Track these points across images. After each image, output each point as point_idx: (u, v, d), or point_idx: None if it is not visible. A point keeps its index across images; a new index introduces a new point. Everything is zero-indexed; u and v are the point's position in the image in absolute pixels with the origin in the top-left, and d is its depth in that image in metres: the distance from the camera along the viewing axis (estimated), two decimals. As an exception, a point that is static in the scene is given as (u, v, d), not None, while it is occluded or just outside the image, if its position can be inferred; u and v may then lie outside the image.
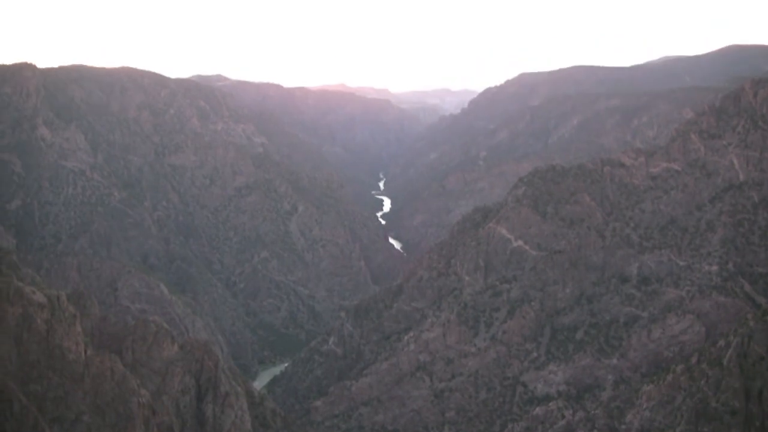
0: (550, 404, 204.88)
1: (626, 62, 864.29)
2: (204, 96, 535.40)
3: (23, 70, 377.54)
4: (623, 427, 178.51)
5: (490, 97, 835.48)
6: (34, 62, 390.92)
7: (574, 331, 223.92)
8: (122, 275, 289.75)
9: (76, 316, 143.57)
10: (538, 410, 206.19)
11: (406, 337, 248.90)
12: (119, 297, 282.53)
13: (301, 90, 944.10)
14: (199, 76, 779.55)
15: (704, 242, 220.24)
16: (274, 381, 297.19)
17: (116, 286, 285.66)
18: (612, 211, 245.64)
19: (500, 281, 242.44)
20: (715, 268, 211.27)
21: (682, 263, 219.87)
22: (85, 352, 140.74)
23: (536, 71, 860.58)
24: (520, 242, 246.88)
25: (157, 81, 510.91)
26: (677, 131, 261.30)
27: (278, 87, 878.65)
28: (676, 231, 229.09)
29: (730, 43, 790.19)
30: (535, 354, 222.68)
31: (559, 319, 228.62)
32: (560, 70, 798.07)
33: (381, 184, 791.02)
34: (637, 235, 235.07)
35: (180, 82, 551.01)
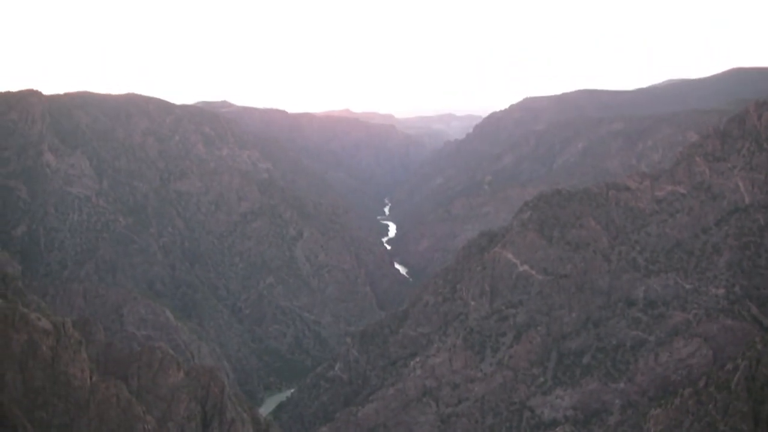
0: (557, 429, 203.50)
1: (630, 86, 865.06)
2: (209, 122, 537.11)
3: (29, 96, 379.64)
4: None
5: (495, 122, 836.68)
6: (39, 89, 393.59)
7: (580, 355, 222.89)
8: (128, 301, 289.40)
9: (82, 342, 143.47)
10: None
11: (412, 363, 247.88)
12: (125, 323, 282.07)
13: (306, 116, 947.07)
14: (204, 102, 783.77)
15: (710, 265, 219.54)
16: (280, 407, 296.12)
17: (122, 312, 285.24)
18: (618, 235, 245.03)
19: (506, 306, 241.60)
20: (721, 291, 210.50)
21: (688, 286, 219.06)
22: (91, 378, 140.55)
23: (540, 96, 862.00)
24: (525, 267, 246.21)
25: (162, 107, 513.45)
26: (682, 154, 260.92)
27: (283, 113, 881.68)
28: (682, 254, 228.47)
29: (734, 66, 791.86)
30: (541, 379, 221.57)
31: (566, 344, 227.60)
32: (564, 95, 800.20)
33: (386, 210, 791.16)
34: (643, 258, 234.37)
35: (185, 108, 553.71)
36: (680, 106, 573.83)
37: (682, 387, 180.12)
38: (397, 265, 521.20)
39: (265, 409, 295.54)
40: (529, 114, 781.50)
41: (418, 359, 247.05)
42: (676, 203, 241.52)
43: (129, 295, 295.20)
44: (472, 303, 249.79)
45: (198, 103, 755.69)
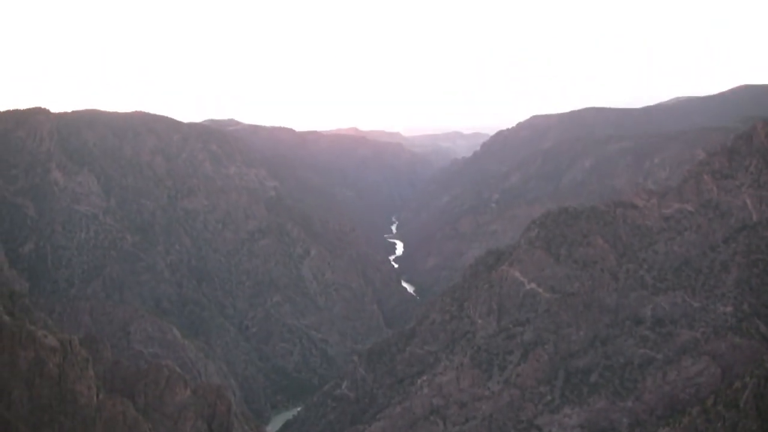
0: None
1: (637, 103, 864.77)
2: (216, 140, 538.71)
3: (37, 114, 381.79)
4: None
5: (502, 140, 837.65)
6: (47, 107, 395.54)
7: (588, 373, 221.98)
8: (135, 319, 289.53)
9: (89, 360, 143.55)
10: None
11: (419, 381, 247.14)
12: (132, 341, 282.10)
13: (314, 134, 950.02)
14: (212, 121, 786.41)
15: (719, 283, 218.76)
16: (287, 426, 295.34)
17: (129, 330, 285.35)
18: (625, 253, 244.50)
19: (513, 324, 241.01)
20: (730, 308, 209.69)
21: (696, 304, 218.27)
22: (98, 396, 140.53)
23: (547, 113, 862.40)
24: (533, 285, 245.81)
25: (170, 125, 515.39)
26: (689, 172, 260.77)
27: (290, 131, 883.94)
28: (690, 272, 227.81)
29: (741, 83, 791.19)
30: (549, 397, 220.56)
31: (573, 362, 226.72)
32: (571, 113, 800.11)
33: (393, 228, 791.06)
34: (650, 276, 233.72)
35: (192, 127, 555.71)
36: (688, 124, 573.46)
37: (691, 405, 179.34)
38: (404, 283, 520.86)
39: (271, 428, 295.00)
40: (536, 132, 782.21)
41: (425, 377, 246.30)
42: (683, 221, 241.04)
43: (136, 312, 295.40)
44: (480, 321, 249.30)
45: (205, 121, 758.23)
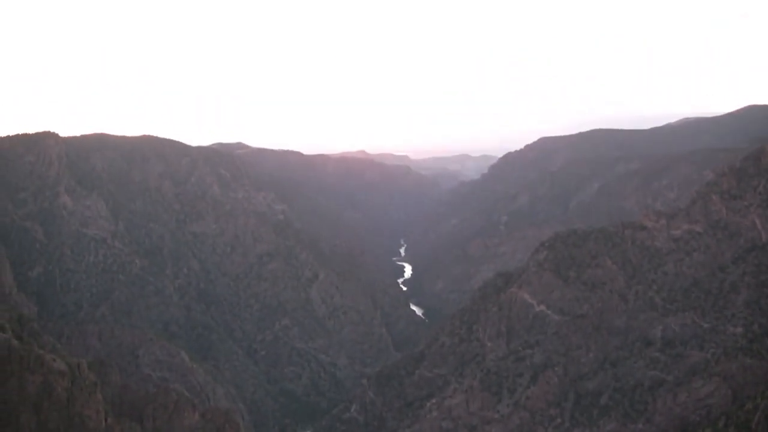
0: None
1: (645, 125, 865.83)
2: (225, 164, 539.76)
3: (46, 138, 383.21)
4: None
5: (510, 162, 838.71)
6: (56, 131, 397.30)
7: (598, 396, 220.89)
8: (143, 343, 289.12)
9: (97, 384, 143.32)
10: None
11: (428, 404, 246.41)
12: (140, 365, 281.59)
13: (321, 157, 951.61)
14: (220, 144, 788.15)
15: (728, 304, 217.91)
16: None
17: (137, 353, 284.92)
18: (634, 274, 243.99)
19: (523, 346, 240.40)
20: (740, 329, 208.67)
21: (706, 325, 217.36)
22: (106, 420, 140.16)
23: (555, 135, 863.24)
24: (542, 307, 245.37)
25: (178, 149, 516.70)
26: (698, 193, 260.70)
27: (298, 154, 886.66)
28: (700, 293, 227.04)
29: (749, 104, 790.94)
30: (559, 420, 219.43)
31: (583, 384, 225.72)
32: (579, 134, 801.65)
33: (402, 251, 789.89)
34: (660, 297, 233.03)
35: (201, 151, 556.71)
36: (696, 145, 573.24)
37: (702, 427, 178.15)
38: (413, 306, 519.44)
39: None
40: (544, 154, 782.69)
41: (434, 401, 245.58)
42: (692, 242, 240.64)
43: (144, 336, 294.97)
44: (489, 344, 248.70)
45: (213, 144, 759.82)
